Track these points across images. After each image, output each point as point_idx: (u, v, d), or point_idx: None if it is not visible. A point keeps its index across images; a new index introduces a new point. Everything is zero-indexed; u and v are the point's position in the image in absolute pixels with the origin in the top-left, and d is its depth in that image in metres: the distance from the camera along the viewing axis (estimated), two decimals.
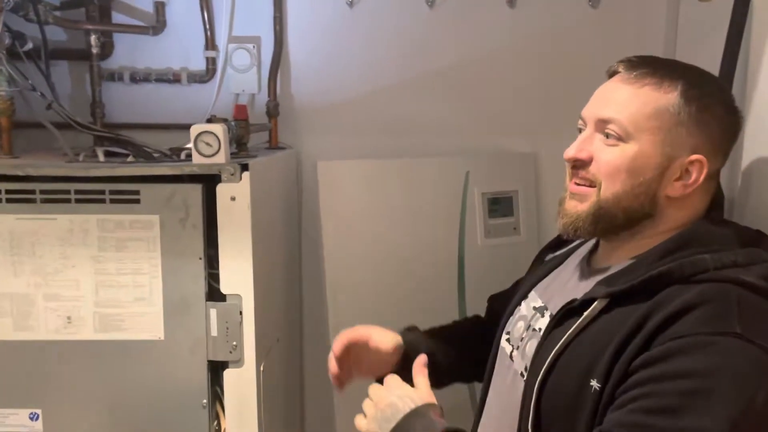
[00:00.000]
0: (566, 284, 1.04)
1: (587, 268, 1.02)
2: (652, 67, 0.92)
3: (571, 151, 0.95)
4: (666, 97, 0.89)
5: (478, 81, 1.88)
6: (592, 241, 1.07)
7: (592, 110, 0.94)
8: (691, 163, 0.89)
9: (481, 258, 1.87)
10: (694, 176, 0.90)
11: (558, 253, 1.14)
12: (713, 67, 1.21)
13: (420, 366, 1.04)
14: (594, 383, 0.84)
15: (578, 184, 0.95)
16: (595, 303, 0.89)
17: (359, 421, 1.03)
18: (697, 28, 1.57)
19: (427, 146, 1.88)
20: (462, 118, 1.90)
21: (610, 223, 0.92)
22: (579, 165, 0.94)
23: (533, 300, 1.08)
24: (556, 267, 1.11)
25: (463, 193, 1.84)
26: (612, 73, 0.97)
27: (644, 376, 0.79)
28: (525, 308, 1.09)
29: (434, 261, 1.82)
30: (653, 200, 0.90)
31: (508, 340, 1.09)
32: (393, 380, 1.02)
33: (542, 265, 1.15)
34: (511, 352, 1.06)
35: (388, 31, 1.86)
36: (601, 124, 0.92)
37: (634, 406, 0.78)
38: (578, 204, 0.94)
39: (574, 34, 1.87)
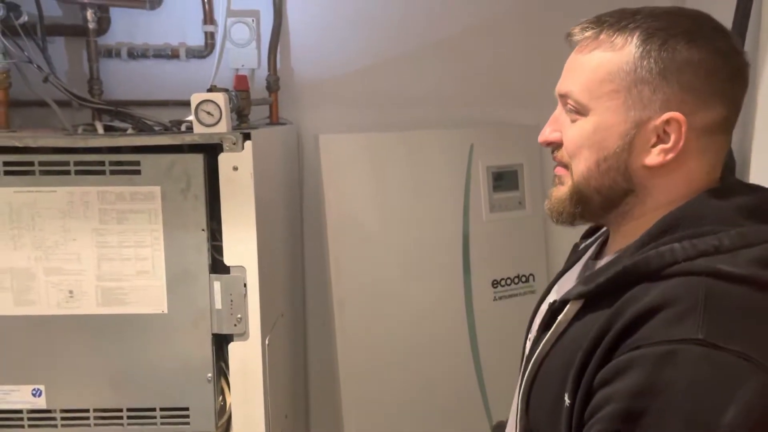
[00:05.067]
0: (574, 278, 0.97)
1: (592, 259, 0.95)
2: (605, 24, 0.81)
3: (542, 134, 0.87)
4: (619, 55, 0.78)
5: (481, 51, 1.86)
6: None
7: (557, 86, 0.86)
8: (667, 123, 0.76)
9: (486, 233, 1.86)
10: (673, 138, 0.76)
11: (588, 241, 1.04)
12: (725, 21, 1.18)
13: None
14: (566, 398, 0.76)
15: (557, 166, 0.88)
16: (569, 305, 0.81)
17: None
18: None
19: (430, 119, 1.86)
20: (466, 90, 1.87)
21: (589, 205, 0.84)
22: (554, 147, 0.87)
23: (552, 295, 1.00)
24: (581, 257, 1.02)
25: (468, 167, 1.82)
26: (570, 40, 0.88)
27: (602, 396, 0.71)
28: (545, 305, 0.99)
29: (439, 235, 1.81)
30: (627, 174, 0.79)
31: (529, 339, 1.00)
32: None
33: (573, 256, 1.06)
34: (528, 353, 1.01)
35: (388, 3, 1.83)
36: (563, 100, 0.84)
37: None
38: (560, 187, 0.87)
39: (578, 2, 1.83)
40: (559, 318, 0.81)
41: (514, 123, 1.90)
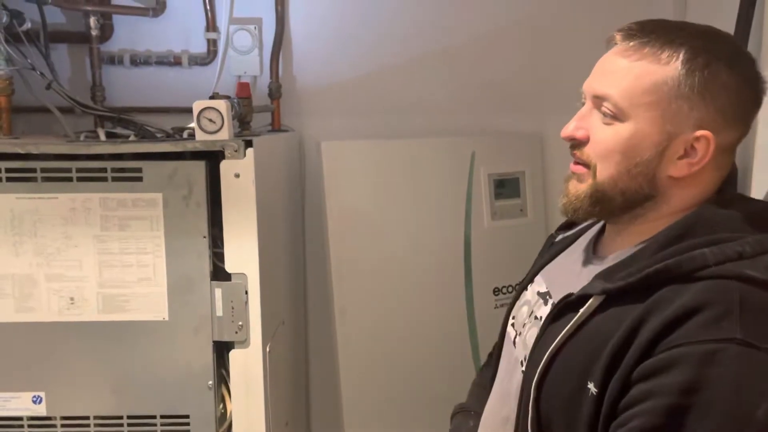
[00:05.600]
0: (570, 270, 1.00)
1: (592, 253, 0.98)
2: (652, 35, 0.84)
3: (568, 129, 0.88)
4: (664, 69, 0.81)
5: (483, 59, 1.86)
6: (601, 223, 1.02)
7: (589, 85, 0.88)
8: (696, 139, 0.81)
9: (488, 240, 1.85)
10: (700, 154, 0.82)
11: (568, 233, 1.09)
12: (728, 28, 1.18)
13: None
14: (591, 387, 0.80)
15: (576, 163, 0.90)
16: (591, 300, 0.84)
17: None
18: (707, 1, 1.55)
19: (432, 126, 1.86)
20: (468, 98, 1.88)
21: (609, 205, 0.87)
22: (576, 144, 0.88)
23: (538, 285, 1.05)
24: (564, 249, 1.07)
25: (469, 174, 1.82)
26: (610, 43, 0.89)
27: (641, 390, 0.75)
28: (530, 293, 1.06)
29: (440, 243, 1.80)
30: (653, 181, 0.84)
31: (512, 324, 1.06)
32: None
33: (551, 247, 1.11)
34: (515, 337, 1.04)
35: (391, 10, 1.84)
36: (598, 101, 0.86)
37: (632, 425, 0.74)
38: (578, 184, 0.89)
39: (581, 8, 1.84)
40: (581, 311, 0.84)
41: (515, 131, 1.90)
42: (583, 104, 0.91)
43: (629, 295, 0.80)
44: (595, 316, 0.83)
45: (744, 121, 0.86)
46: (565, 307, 0.88)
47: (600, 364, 0.79)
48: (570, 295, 0.87)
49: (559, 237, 1.11)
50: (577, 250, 1.03)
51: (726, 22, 1.19)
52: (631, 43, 0.84)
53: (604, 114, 0.85)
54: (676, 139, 0.82)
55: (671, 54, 0.81)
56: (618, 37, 0.86)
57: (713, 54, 0.82)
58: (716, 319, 0.73)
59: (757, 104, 0.86)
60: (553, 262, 1.06)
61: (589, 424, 0.80)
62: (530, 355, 0.92)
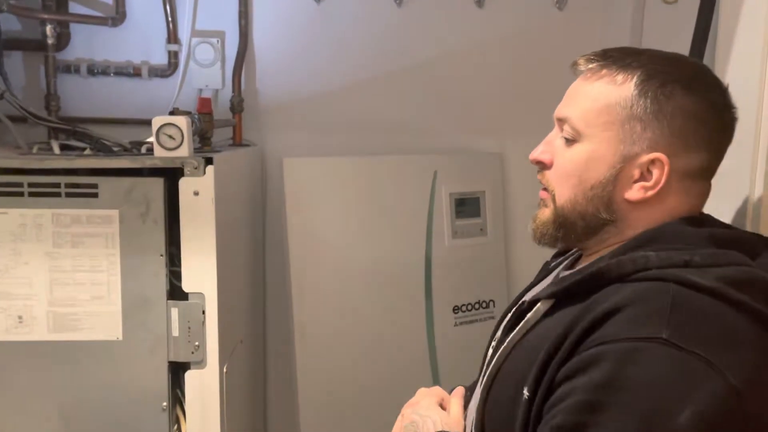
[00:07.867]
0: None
1: (565, 270, 0.97)
2: (609, 59, 0.84)
3: (535, 153, 0.89)
4: (619, 90, 0.81)
5: (446, 80, 1.88)
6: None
7: (557, 110, 0.89)
8: (652, 162, 0.80)
9: (449, 258, 1.86)
10: (655, 177, 0.80)
11: (560, 259, 1.07)
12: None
13: (457, 393, 1.01)
14: (525, 392, 0.78)
15: (543, 189, 0.91)
16: (539, 305, 0.83)
17: None
18: (662, 31, 1.60)
19: (395, 144, 1.86)
20: (430, 117, 1.89)
21: (572, 229, 0.86)
22: (541, 168, 0.89)
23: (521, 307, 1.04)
24: (550, 273, 1.05)
25: (431, 193, 1.83)
26: (575, 68, 0.91)
27: (564, 390, 0.72)
28: (512, 314, 1.04)
29: (401, 261, 1.80)
30: (609, 205, 0.83)
31: (493, 346, 1.02)
32: (424, 399, 1.02)
33: (542, 273, 1.09)
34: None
35: (355, 28, 1.84)
36: (561, 124, 0.87)
37: (551, 424, 0.71)
38: (544, 209, 0.90)
39: (540, 35, 1.88)
40: (528, 316, 0.83)
41: (477, 151, 1.92)
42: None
43: (576, 297, 0.79)
44: (542, 322, 0.83)
45: (709, 147, 0.82)
46: (520, 315, 0.87)
47: (534, 368, 0.77)
48: (523, 303, 0.87)
49: (553, 263, 1.08)
50: (557, 271, 1.02)
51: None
52: (590, 66, 0.85)
53: (565, 137, 0.86)
54: (631, 161, 0.80)
55: (626, 76, 0.81)
56: (581, 62, 0.88)
57: (669, 76, 0.81)
58: (644, 316, 0.70)
59: (724, 131, 0.84)
60: (537, 285, 1.03)
61: (523, 430, 0.78)
62: (484, 369, 0.92)
